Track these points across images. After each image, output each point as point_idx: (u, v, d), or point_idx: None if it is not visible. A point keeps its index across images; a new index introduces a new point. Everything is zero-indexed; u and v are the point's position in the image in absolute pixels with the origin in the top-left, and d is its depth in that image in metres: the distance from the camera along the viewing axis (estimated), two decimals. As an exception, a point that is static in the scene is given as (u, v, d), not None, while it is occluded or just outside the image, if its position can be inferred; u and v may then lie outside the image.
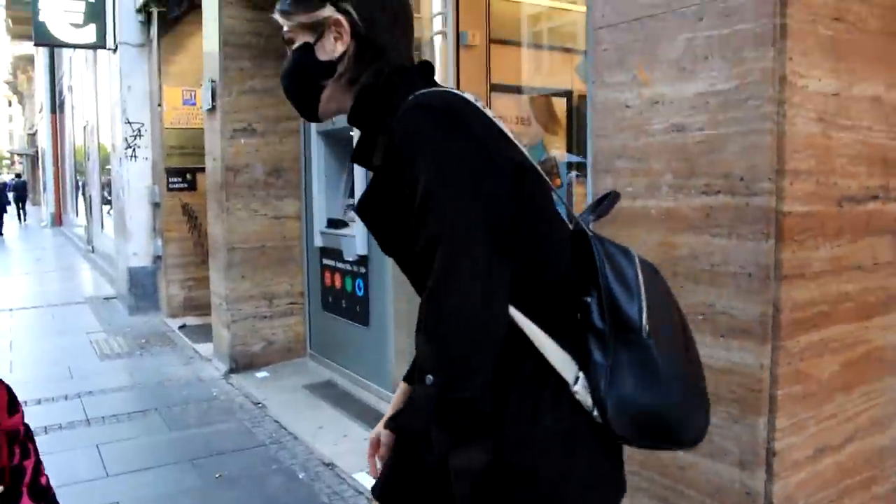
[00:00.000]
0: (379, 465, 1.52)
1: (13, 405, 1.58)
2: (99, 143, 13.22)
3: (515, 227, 1.23)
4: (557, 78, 4.75)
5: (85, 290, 11.08)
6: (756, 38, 1.83)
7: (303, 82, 1.43)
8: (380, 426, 1.53)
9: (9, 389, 1.56)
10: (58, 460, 4.01)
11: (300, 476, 3.74)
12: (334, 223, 5.33)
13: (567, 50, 4.75)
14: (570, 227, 1.37)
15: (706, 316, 2.00)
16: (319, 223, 5.43)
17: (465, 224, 1.17)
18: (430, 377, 1.16)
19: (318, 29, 1.39)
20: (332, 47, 1.38)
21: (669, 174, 2.05)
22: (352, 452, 3.94)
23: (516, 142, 1.31)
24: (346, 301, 5.29)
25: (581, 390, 1.23)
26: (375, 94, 1.37)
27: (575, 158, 4.49)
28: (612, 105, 2.21)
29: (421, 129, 1.23)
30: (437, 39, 4.01)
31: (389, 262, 4.74)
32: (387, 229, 1.39)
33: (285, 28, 1.43)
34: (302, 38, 1.41)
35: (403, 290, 4.76)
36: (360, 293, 5.10)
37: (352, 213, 5.11)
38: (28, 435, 1.61)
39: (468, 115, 1.26)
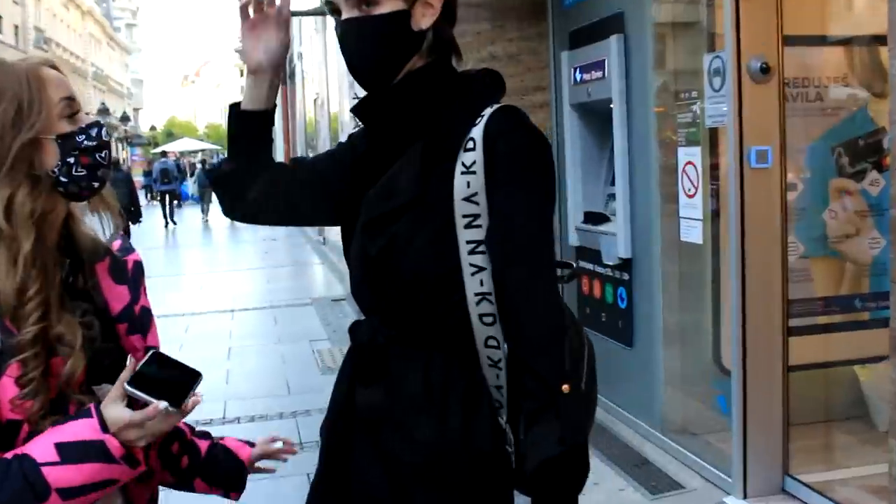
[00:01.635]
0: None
1: None
2: (329, 116, 14.34)
3: None
4: (882, 20, 4.44)
5: (313, 289, 12.14)
6: None
7: (391, 51, 1.66)
8: None
9: None
10: (264, 486, 4.50)
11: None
12: (592, 217, 5.40)
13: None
14: None
15: None
16: (574, 217, 5.53)
17: (548, 253, 1.66)
18: (566, 386, 1.55)
19: None
20: (420, 20, 1.65)
21: None
22: (601, 506, 4.05)
23: None
24: (605, 314, 5.35)
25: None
26: (452, 79, 1.73)
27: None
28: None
29: (530, 153, 1.64)
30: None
31: (658, 268, 4.74)
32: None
33: None
34: (390, 4, 1.62)
35: (675, 303, 4.75)
36: (622, 305, 5.13)
37: (613, 206, 5.16)
38: None
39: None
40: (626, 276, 5.05)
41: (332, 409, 1.83)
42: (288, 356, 7.83)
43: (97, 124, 1.56)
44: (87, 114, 1.58)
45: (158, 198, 28.06)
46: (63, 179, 1.52)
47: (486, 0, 5.81)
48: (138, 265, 1.75)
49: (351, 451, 1.73)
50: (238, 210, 1.90)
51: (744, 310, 3.83)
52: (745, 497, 3.86)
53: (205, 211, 27.03)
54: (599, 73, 5.04)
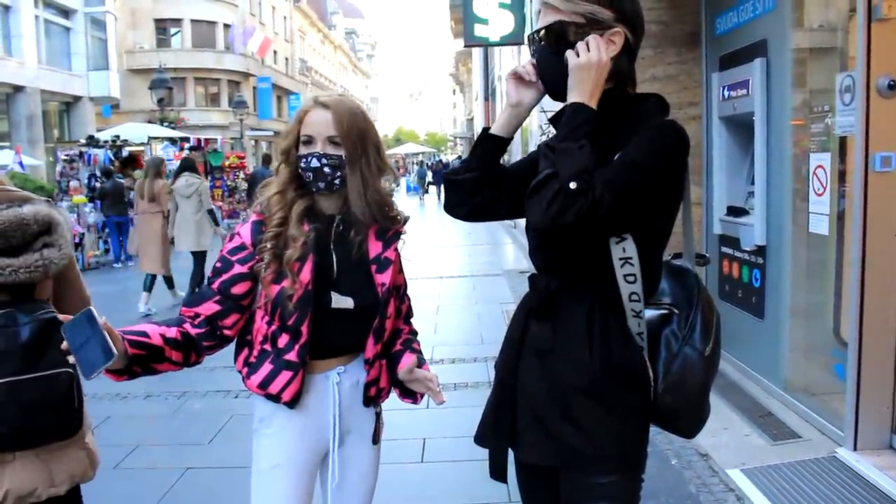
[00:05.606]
0: None
1: None
2: (522, 127, 14.49)
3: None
4: None
5: (504, 262, 12.24)
6: None
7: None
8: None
9: None
10: (462, 414, 4.60)
11: (672, 462, 3.83)
12: (734, 210, 5.23)
13: None
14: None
15: None
16: (719, 210, 5.36)
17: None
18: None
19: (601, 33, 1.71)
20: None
21: None
22: (728, 447, 3.91)
23: None
24: (741, 291, 5.17)
25: None
26: (625, 100, 1.77)
27: None
28: None
29: (667, 132, 1.68)
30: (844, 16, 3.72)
31: (789, 254, 4.54)
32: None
33: (571, 15, 1.71)
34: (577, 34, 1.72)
35: (802, 284, 4.52)
36: (756, 284, 4.95)
37: (752, 202, 4.97)
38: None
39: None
40: (760, 261, 4.87)
41: (507, 340, 1.90)
42: (483, 314, 7.96)
43: (309, 155, 2.00)
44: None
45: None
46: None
47: (651, 31, 5.66)
48: (396, 233, 2.15)
49: (518, 374, 1.81)
50: (462, 209, 1.95)
51: (862, 292, 3.61)
52: (854, 449, 3.65)
53: (421, 197, 30.87)
54: (744, 91, 4.86)
